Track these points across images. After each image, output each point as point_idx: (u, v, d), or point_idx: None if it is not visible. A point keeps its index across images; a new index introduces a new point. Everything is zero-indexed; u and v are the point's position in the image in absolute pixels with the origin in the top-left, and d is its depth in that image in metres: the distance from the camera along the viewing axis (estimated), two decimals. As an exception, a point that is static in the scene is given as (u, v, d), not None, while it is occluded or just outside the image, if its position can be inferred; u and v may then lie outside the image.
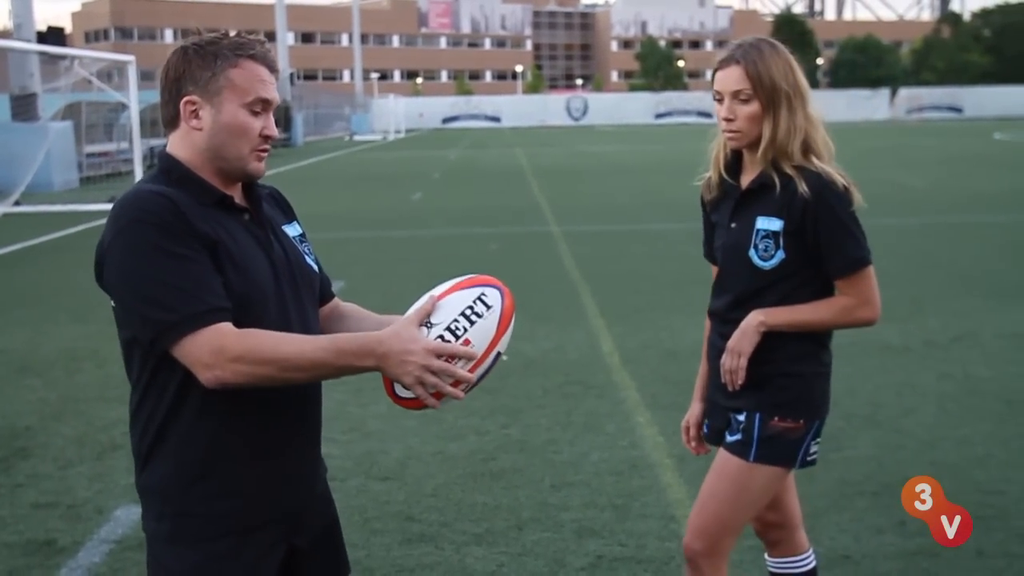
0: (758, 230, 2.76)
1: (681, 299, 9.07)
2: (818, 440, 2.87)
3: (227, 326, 1.96)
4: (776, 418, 2.78)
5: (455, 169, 28.14)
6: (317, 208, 18.27)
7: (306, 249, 2.26)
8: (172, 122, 2.09)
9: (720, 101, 2.78)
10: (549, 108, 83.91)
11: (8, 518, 4.58)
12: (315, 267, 2.26)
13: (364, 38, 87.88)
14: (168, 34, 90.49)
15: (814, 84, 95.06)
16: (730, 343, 2.79)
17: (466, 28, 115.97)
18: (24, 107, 23.59)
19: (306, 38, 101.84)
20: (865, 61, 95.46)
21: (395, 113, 62.07)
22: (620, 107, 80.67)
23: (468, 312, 2.02)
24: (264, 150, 2.11)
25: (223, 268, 2.01)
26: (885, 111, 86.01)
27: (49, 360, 7.41)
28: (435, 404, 2.00)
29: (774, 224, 2.74)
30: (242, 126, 2.06)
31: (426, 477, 4.98)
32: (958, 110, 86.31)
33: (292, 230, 2.25)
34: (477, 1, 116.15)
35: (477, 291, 2.04)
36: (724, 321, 2.87)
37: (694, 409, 3.08)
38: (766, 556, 3.13)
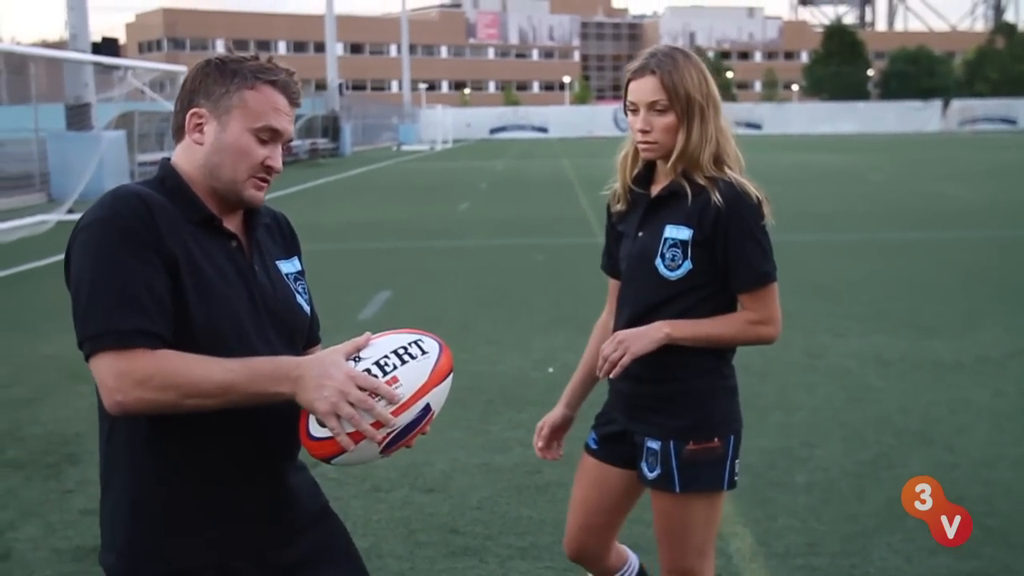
0: (666, 239, 2.69)
1: (729, 312, 8.98)
2: (738, 459, 2.78)
3: (145, 351, 1.85)
4: (691, 442, 2.70)
5: (502, 179, 28.18)
6: (364, 217, 18.37)
7: (299, 288, 2.14)
8: (178, 132, 2.04)
9: (635, 112, 2.72)
10: (596, 119, 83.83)
11: (57, 524, 4.62)
12: (306, 308, 2.14)
13: (412, 49, 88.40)
14: (219, 45, 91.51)
15: (864, 95, 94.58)
16: (622, 334, 2.67)
17: (514, 39, 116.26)
18: (79, 117, 23.95)
19: (355, 49, 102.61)
20: (917, 72, 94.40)
21: (442, 123, 62.32)
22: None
23: (401, 351, 1.91)
24: (264, 180, 2.01)
25: (185, 291, 1.91)
26: (937, 123, 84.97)
27: (99, 367, 7.47)
28: (350, 445, 1.82)
29: (683, 233, 2.67)
30: (243, 149, 1.98)
31: (471, 489, 4.96)
32: (1012, 122, 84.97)
33: (289, 266, 2.14)
34: (525, 12, 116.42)
35: (415, 336, 1.96)
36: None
37: (555, 413, 3.02)
38: None
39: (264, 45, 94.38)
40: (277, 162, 2.01)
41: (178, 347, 1.89)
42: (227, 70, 1.99)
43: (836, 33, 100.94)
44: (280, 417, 1.98)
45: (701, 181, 2.68)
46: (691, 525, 2.75)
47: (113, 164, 23.60)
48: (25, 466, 5.40)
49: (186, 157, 2.02)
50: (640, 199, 2.80)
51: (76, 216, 18.15)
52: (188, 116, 2.00)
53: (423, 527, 4.52)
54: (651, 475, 2.75)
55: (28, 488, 5.08)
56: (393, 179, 30.73)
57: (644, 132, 2.69)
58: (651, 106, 2.68)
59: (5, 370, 7.52)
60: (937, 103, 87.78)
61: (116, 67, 22.04)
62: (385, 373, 1.88)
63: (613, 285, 2.94)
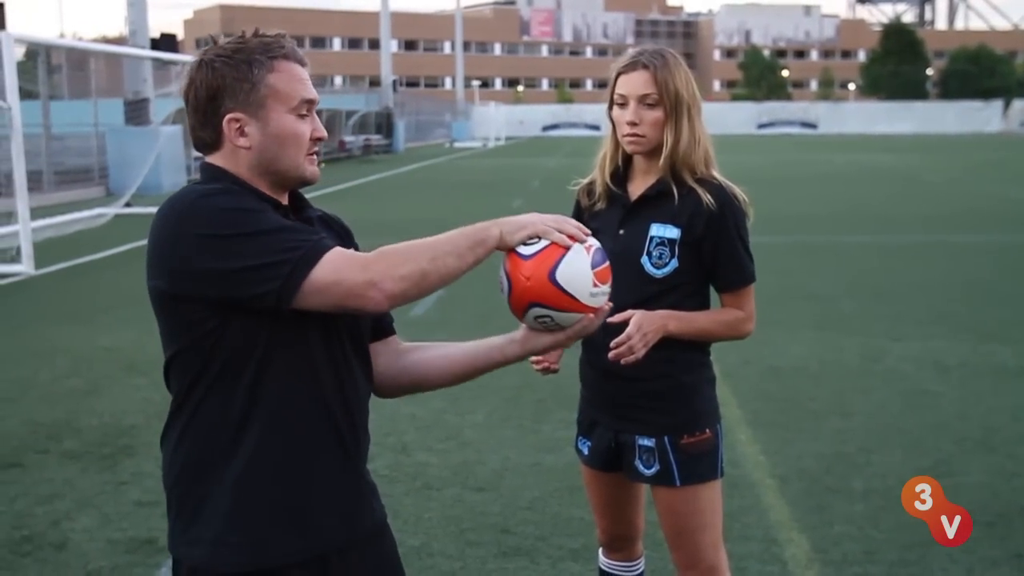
0: (652, 237, 2.75)
1: (782, 313, 8.88)
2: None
3: (341, 250, 1.84)
4: (685, 436, 2.78)
5: (554, 177, 28.06)
6: (416, 214, 18.41)
7: None
8: (213, 145, 1.94)
9: (623, 105, 2.76)
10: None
11: (112, 515, 4.67)
12: None
13: (466, 46, 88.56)
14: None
15: (923, 95, 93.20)
16: (643, 323, 2.64)
17: (568, 36, 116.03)
18: (137, 112, 24.28)
19: (409, 46, 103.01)
20: (977, 71, 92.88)
21: (495, 120, 62.34)
22: (721, 117, 79.55)
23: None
24: (315, 152, 1.98)
25: None
26: (998, 123, 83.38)
27: (155, 360, 7.52)
28: (566, 240, 1.90)
29: (670, 232, 2.74)
30: (293, 133, 1.92)
31: (523, 489, 4.93)
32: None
33: None
34: (579, 9, 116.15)
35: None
36: (607, 333, 2.67)
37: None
38: (600, 554, 3.13)
39: (319, 41, 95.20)
40: (321, 130, 1.97)
41: (273, 335, 1.88)
42: (238, 62, 1.90)
43: (895, 32, 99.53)
44: (355, 418, 1.99)
45: (689, 182, 2.74)
46: (701, 519, 2.82)
47: (170, 159, 23.89)
48: (82, 457, 5.46)
49: (231, 162, 1.94)
50: (618, 197, 2.84)
51: (133, 210, 18.42)
52: (226, 123, 1.91)
53: (474, 526, 4.50)
54: (649, 472, 2.81)
55: (84, 479, 5.14)
56: (446, 176, 30.80)
57: (633, 125, 2.74)
58: (642, 99, 2.73)
59: (63, 362, 7.62)
60: (998, 103, 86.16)
61: (174, 63, 22.28)
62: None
63: None
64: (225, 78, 1.89)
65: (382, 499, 2.17)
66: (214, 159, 1.96)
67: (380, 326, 2.15)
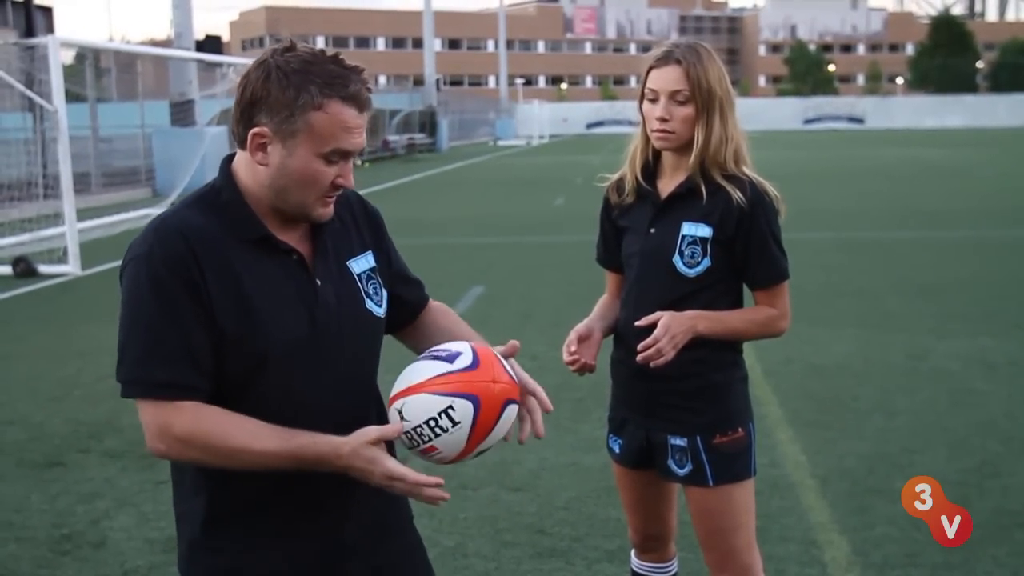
0: (684, 236, 2.70)
1: (827, 311, 8.77)
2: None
3: (185, 404, 1.84)
4: (717, 435, 2.74)
5: (598, 175, 27.80)
6: (459, 212, 18.43)
7: (372, 288, 2.04)
8: (241, 144, 1.91)
9: (654, 101, 2.72)
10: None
11: (150, 514, 4.70)
12: (377, 311, 2.04)
13: (510, 44, 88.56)
14: (320, 41, 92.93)
15: (973, 88, 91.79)
16: (671, 324, 2.60)
17: (611, 33, 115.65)
18: (183, 113, 24.51)
19: (453, 44, 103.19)
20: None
21: (539, 118, 62.25)
22: (767, 112, 78.96)
23: (432, 424, 1.88)
24: (332, 196, 1.91)
25: (244, 323, 1.86)
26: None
27: (197, 359, 7.61)
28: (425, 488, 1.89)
29: (702, 230, 2.69)
30: (312, 176, 1.86)
31: (559, 489, 4.90)
32: None
33: (361, 264, 2.04)
34: (623, 6, 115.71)
35: (445, 401, 1.87)
36: (638, 333, 2.67)
37: (589, 324, 2.83)
38: (633, 556, 3.08)
39: (363, 41, 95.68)
40: (348, 179, 1.90)
41: (233, 381, 1.89)
42: (291, 84, 1.81)
43: (943, 24, 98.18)
44: (351, 424, 1.95)
45: (718, 179, 2.70)
46: (735, 519, 2.79)
47: (215, 159, 23.83)
48: (123, 456, 5.50)
49: (249, 172, 1.91)
50: (647, 194, 2.79)
51: (179, 210, 18.58)
52: (250, 136, 1.86)
53: (510, 527, 4.48)
54: (682, 472, 2.78)
55: (124, 478, 5.18)
56: (489, 174, 30.82)
57: (663, 121, 2.70)
58: (672, 95, 2.68)
59: (107, 360, 7.65)
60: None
61: (219, 64, 22.48)
62: (424, 442, 1.90)
63: (613, 277, 2.96)
64: (270, 93, 1.83)
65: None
66: (238, 159, 1.95)
67: (399, 319, 2.16)
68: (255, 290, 1.88)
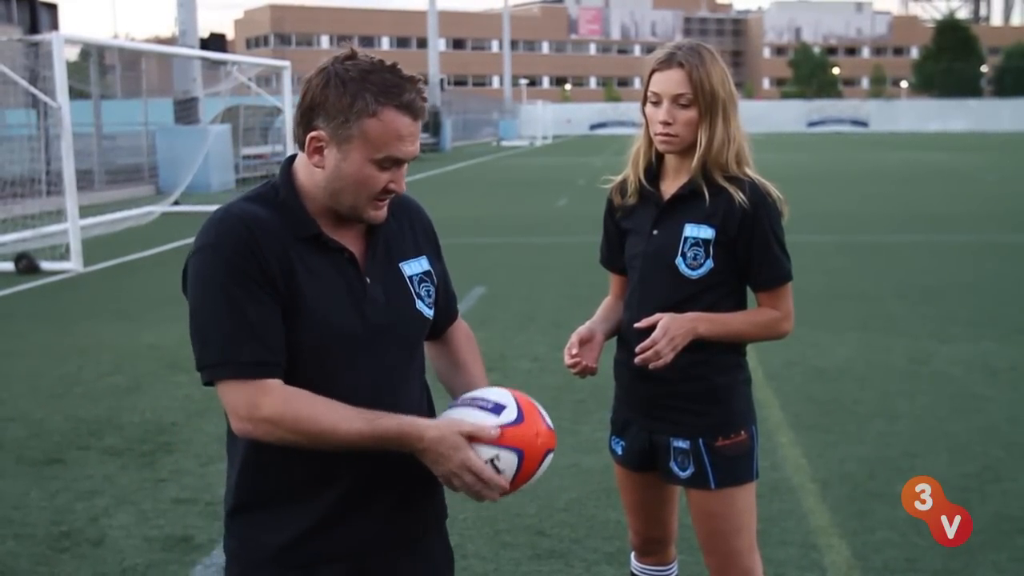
0: (686, 238, 2.69)
1: (829, 314, 8.75)
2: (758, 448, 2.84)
3: (271, 383, 1.90)
4: (720, 438, 2.74)
5: (601, 176, 27.78)
6: (462, 212, 18.41)
7: (423, 290, 2.10)
8: (300, 146, 1.99)
9: (657, 104, 2.71)
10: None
11: (150, 512, 4.69)
12: (427, 312, 2.11)
13: (514, 44, 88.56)
14: (324, 40, 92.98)
15: (977, 92, 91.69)
16: (670, 326, 2.59)
17: (616, 35, 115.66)
18: (186, 111, 24.54)
19: (457, 44, 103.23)
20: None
21: (543, 119, 62.27)
22: (771, 114, 78.96)
23: (488, 462, 1.97)
24: (384, 200, 1.99)
25: (295, 314, 1.93)
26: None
27: (198, 357, 7.60)
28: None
29: (704, 232, 2.68)
30: (365, 180, 1.94)
31: (559, 491, 4.89)
32: None
33: (414, 267, 2.10)
34: (628, 7, 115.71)
35: (492, 452, 1.95)
36: (639, 335, 2.66)
37: (591, 327, 2.82)
38: (633, 559, 3.07)
39: (368, 41, 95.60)
40: (400, 185, 1.98)
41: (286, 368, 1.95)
42: (348, 92, 1.88)
43: (948, 28, 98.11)
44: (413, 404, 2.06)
45: (720, 181, 2.68)
46: (736, 522, 2.78)
47: (218, 157, 24.12)
48: (122, 453, 5.50)
49: (307, 173, 1.99)
50: (650, 196, 2.79)
51: (181, 208, 18.61)
52: (308, 140, 1.94)
53: (509, 528, 4.47)
54: (684, 474, 2.77)
55: (124, 475, 5.17)
56: (492, 174, 30.81)
57: (666, 124, 2.69)
58: (675, 99, 2.67)
59: (108, 358, 7.70)
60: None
61: (223, 62, 22.49)
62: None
63: (616, 279, 2.95)
64: (328, 99, 1.89)
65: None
66: (299, 160, 2.02)
67: (440, 322, 2.22)
68: (307, 283, 1.95)
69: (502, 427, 1.95)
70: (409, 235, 2.12)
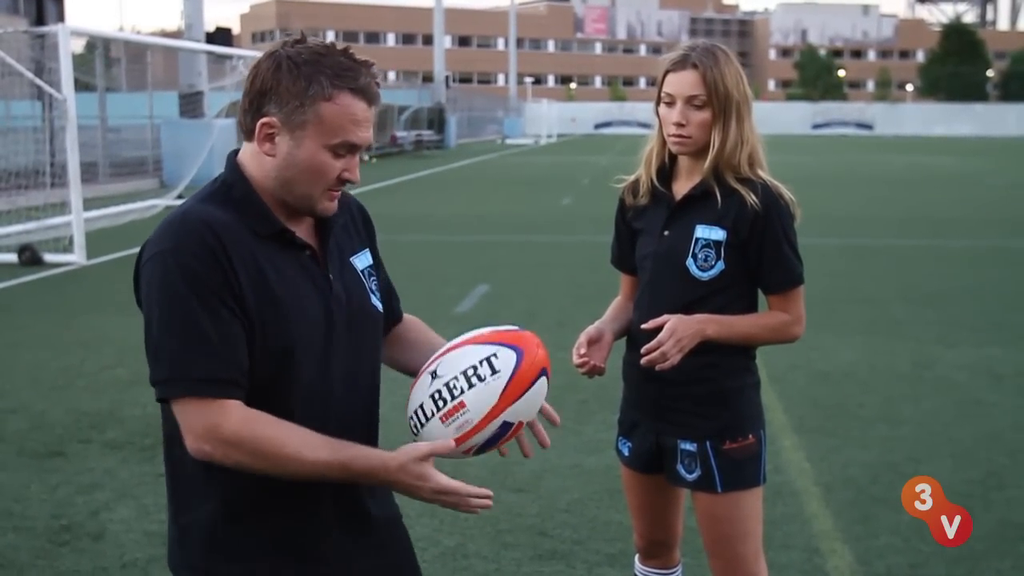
0: (698, 239, 2.68)
1: (833, 317, 8.73)
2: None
3: (230, 403, 1.79)
4: (727, 441, 2.71)
5: (605, 175, 27.76)
6: (466, 210, 18.40)
7: (372, 285, 2.05)
8: (248, 135, 1.90)
9: (671, 105, 2.68)
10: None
11: (151, 507, 4.67)
12: (379, 307, 2.06)
13: (520, 42, 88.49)
14: (330, 36, 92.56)
15: (983, 97, 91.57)
16: (677, 328, 2.57)
17: (622, 34, 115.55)
18: (191, 104, 24.50)
19: (463, 41, 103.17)
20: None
21: (547, 117, 62.22)
22: (776, 116, 78.71)
23: (470, 372, 1.89)
24: (337, 190, 1.91)
25: (271, 319, 1.84)
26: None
27: (200, 351, 7.59)
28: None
29: (716, 233, 2.66)
30: (319, 168, 1.85)
31: (561, 491, 4.87)
32: None
33: (362, 261, 2.05)
34: (634, 7, 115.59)
35: (490, 349, 1.89)
36: (649, 335, 2.63)
37: (600, 327, 2.79)
38: (637, 561, 3.06)
39: (373, 37, 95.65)
40: (354, 174, 1.90)
41: (257, 376, 1.85)
42: (301, 75, 1.81)
43: (955, 32, 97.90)
44: (355, 427, 1.96)
45: (732, 182, 2.67)
46: (742, 526, 2.76)
47: (223, 151, 23.97)
48: (123, 447, 5.49)
49: (256, 164, 1.90)
50: (662, 197, 2.77)
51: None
52: (258, 127, 1.85)
53: (511, 528, 4.45)
54: (690, 477, 2.76)
55: (124, 469, 5.16)
56: (496, 172, 30.79)
57: (679, 126, 2.66)
58: (689, 100, 2.65)
59: (110, 351, 7.69)
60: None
61: (228, 56, 22.48)
62: (453, 398, 1.89)
63: (626, 279, 2.93)
64: (280, 83, 1.82)
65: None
66: (244, 152, 1.94)
67: (390, 317, 2.17)
68: (279, 284, 1.87)
69: (500, 331, 1.95)
70: (351, 227, 2.06)
